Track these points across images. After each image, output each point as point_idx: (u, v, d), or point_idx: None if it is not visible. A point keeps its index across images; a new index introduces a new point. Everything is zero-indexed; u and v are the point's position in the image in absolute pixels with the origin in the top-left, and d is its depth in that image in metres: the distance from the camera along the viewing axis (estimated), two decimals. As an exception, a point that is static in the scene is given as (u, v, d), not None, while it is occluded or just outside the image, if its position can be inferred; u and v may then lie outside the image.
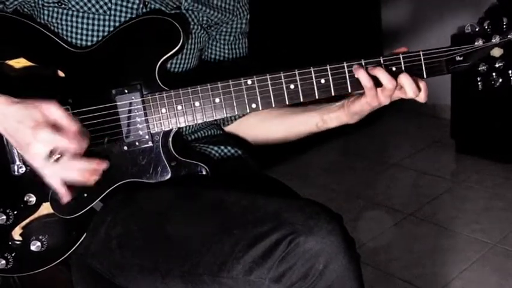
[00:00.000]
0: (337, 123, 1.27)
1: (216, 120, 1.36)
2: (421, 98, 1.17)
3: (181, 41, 1.17)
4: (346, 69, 1.15)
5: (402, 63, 1.15)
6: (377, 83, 1.15)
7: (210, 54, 1.39)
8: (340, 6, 3.39)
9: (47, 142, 1.05)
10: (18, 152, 1.17)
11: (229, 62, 1.40)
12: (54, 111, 1.06)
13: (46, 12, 1.20)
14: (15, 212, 1.19)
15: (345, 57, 1.17)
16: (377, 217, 2.69)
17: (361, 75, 1.14)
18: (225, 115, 1.17)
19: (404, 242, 2.50)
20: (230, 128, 1.43)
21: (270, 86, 1.15)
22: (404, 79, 1.14)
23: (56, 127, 1.06)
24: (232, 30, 1.37)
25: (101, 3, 1.19)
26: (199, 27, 1.31)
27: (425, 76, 1.16)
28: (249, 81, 1.15)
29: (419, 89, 1.15)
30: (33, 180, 1.18)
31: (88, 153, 1.10)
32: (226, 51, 1.39)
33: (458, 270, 2.26)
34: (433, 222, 2.62)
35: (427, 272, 2.28)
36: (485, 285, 2.18)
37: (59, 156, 1.06)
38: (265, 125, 1.38)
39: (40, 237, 1.19)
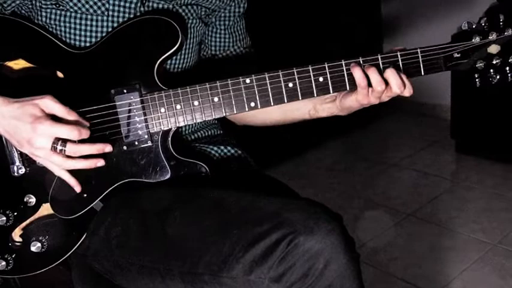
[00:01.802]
0: (328, 114, 1.28)
1: (215, 119, 1.37)
2: (406, 93, 1.16)
3: (179, 40, 1.17)
4: (344, 67, 1.15)
5: (400, 60, 1.15)
6: (370, 82, 1.15)
7: (210, 41, 1.39)
8: (340, 2, 3.39)
9: (48, 134, 1.06)
10: (17, 153, 1.17)
11: (230, 51, 1.41)
12: (50, 104, 1.08)
13: (44, 13, 1.20)
14: (15, 213, 1.19)
15: (344, 53, 1.17)
16: (377, 217, 2.69)
17: (357, 73, 1.14)
18: (224, 114, 1.17)
19: (404, 242, 2.50)
20: None
21: (268, 84, 1.15)
22: (390, 73, 1.14)
23: (54, 119, 1.07)
24: (231, 14, 1.38)
25: (99, 4, 1.20)
26: (197, 20, 1.31)
27: (423, 73, 1.16)
28: (248, 80, 1.15)
29: (404, 84, 1.15)
30: (33, 181, 1.18)
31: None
32: (227, 35, 1.39)
33: (458, 270, 2.26)
34: (433, 222, 2.62)
35: (427, 272, 2.28)
36: (485, 285, 2.18)
37: (63, 146, 1.07)
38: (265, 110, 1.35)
39: (40, 238, 1.19)
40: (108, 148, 1.14)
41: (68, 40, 1.21)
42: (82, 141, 1.11)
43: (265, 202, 1.08)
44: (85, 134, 1.10)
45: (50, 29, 1.22)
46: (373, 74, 1.14)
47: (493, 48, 1.15)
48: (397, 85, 1.13)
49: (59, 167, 1.12)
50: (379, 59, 1.15)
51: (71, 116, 1.10)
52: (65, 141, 1.08)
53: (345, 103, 1.20)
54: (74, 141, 1.09)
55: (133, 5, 1.21)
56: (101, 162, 1.13)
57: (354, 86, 1.16)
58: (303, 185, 2.94)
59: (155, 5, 1.24)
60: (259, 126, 1.44)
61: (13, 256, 1.19)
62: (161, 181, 1.19)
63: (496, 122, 3.01)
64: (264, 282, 1.01)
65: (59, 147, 1.07)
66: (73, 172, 1.14)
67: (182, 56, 1.30)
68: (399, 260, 2.36)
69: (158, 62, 1.17)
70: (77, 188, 1.16)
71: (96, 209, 1.20)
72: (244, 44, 1.43)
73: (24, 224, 1.20)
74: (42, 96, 1.08)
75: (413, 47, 1.17)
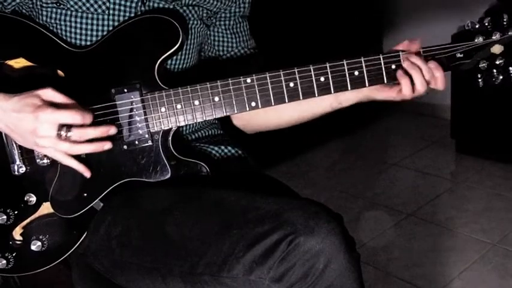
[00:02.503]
0: (352, 103, 1.27)
1: (216, 119, 1.36)
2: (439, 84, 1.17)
3: (180, 39, 1.17)
4: (345, 67, 1.15)
5: (402, 60, 1.15)
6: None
7: (213, 41, 1.39)
8: (340, 2, 3.38)
9: (52, 120, 1.06)
10: (18, 152, 1.17)
11: (234, 52, 1.40)
12: (50, 94, 1.08)
13: (44, 12, 1.20)
14: (16, 212, 1.19)
15: (344, 53, 1.17)
16: (377, 217, 2.69)
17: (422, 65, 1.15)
18: (225, 114, 1.17)
19: (404, 242, 2.49)
20: (241, 114, 1.41)
21: (269, 84, 1.15)
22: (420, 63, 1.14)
23: (56, 106, 1.07)
24: (231, 14, 1.37)
25: (99, 2, 1.19)
26: (198, 21, 1.31)
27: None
28: (248, 80, 1.15)
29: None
30: (34, 180, 1.18)
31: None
32: (229, 36, 1.39)
33: (458, 270, 2.26)
34: (433, 222, 2.62)
35: (427, 272, 2.28)
36: (485, 285, 2.18)
37: (68, 132, 1.07)
38: (277, 109, 1.30)
39: (40, 237, 1.19)
40: (112, 130, 1.13)
41: (68, 39, 1.21)
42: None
43: (266, 202, 1.08)
44: (88, 117, 1.09)
45: (51, 28, 1.21)
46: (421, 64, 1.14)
47: (496, 49, 1.14)
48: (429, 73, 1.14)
49: (65, 153, 1.11)
50: (381, 59, 1.15)
51: (73, 101, 1.09)
52: (69, 127, 1.07)
53: (374, 96, 1.21)
54: (78, 126, 1.09)
55: (133, 4, 1.21)
56: (108, 145, 1.13)
57: (355, 86, 1.16)
58: (303, 185, 2.94)
59: (156, 4, 1.24)
60: (273, 129, 1.41)
61: (13, 255, 1.19)
62: (161, 181, 1.19)
63: (496, 122, 3.01)
64: (264, 283, 1.01)
65: (64, 134, 1.07)
66: (73, 172, 1.14)
67: (183, 56, 1.30)
68: (399, 260, 2.36)
69: (159, 61, 1.17)
70: (87, 174, 1.15)
71: (96, 209, 1.20)
72: (249, 45, 1.42)
73: (24, 223, 1.20)
74: (43, 88, 1.08)
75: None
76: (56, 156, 1.12)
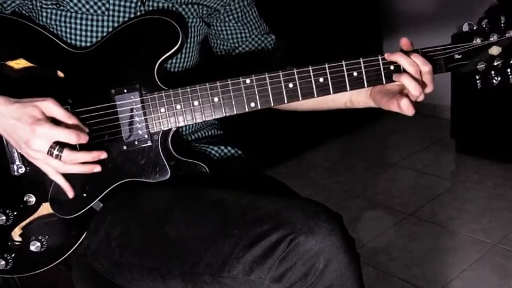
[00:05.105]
0: (364, 106, 1.28)
1: (215, 119, 1.36)
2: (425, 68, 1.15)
3: (180, 40, 1.17)
4: (344, 68, 1.15)
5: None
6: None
7: (227, 35, 1.39)
8: (339, 2, 3.38)
9: (46, 137, 1.06)
10: (18, 152, 1.17)
11: (249, 41, 1.41)
12: (51, 107, 1.08)
13: (44, 14, 1.21)
14: (15, 213, 1.19)
15: (344, 54, 1.17)
16: (377, 217, 2.69)
17: (403, 60, 1.13)
18: (224, 114, 1.17)
19: (404, 242, 2.50)
20: None
21: (268, 85, 1.15)
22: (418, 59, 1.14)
23: (54, 122, 1.07)
24: (236, 6, 1.37)
25: (99, 4, 1.19)
26: (198, 19, 1.31)
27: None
28: (248, 81, 1.15)
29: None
30: (33, 181, 1.18)
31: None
32: (241, 27, 1.39)
33: (458, 270, 2.26)
34: (433, 222, 2.62)
35: (427, 272, 2.28)
36: (485, 285, 2.18)
37: (59, 152, 1.07)
38: None
39: (40, 237, 1.19)
40: (103, 155, 1.14)
41: (68, 40, 1.21)
42: (80, 146, 1.11)
43: (265, 202, 1.08)
44: (83, 138, 1.10)
45: (51, 29, 1.22)
46: (418, 59, 1.14)
47: (494, 50, 1.14)
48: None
49: (54, 172, 1.12)
50: (379, 60, 1.15)
51: (72, 120, 1.10)
52: (62, 146, 1.08)
53: (385, 106, 1.20)
54: (71, 148, 1.09)
55: (133, 5, 1.21)
56: (97, 168, 1.14)
57: (354, 87, 1.16)
58: (303, 185, 2.94)
59: (155, 4, 1.24)
60: (292, 110, 1.40)
61: (13, 255, 1.19)
62: (161, 181, 1.19)
63: (496, 122, 3.01)
64: (265, 282, 1.01)
65: (56, 152, 1.08)
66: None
67: (182, 56, 1.30)
68: (399, 260, 2.36)
69: (158, 62, 1.17)
70: (70, 194, 1.16)
71: (95, 209, 1.20)
72: (262, 30, 1.42)
73: (23, 224, 1.20)
74: (44, 99, 1.08)
75: (413, 47, 1.17)
76: (45, 170, 1.13)
